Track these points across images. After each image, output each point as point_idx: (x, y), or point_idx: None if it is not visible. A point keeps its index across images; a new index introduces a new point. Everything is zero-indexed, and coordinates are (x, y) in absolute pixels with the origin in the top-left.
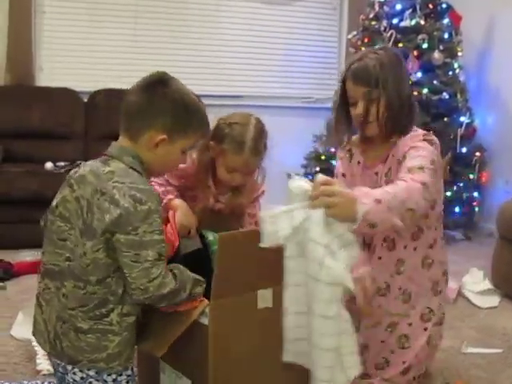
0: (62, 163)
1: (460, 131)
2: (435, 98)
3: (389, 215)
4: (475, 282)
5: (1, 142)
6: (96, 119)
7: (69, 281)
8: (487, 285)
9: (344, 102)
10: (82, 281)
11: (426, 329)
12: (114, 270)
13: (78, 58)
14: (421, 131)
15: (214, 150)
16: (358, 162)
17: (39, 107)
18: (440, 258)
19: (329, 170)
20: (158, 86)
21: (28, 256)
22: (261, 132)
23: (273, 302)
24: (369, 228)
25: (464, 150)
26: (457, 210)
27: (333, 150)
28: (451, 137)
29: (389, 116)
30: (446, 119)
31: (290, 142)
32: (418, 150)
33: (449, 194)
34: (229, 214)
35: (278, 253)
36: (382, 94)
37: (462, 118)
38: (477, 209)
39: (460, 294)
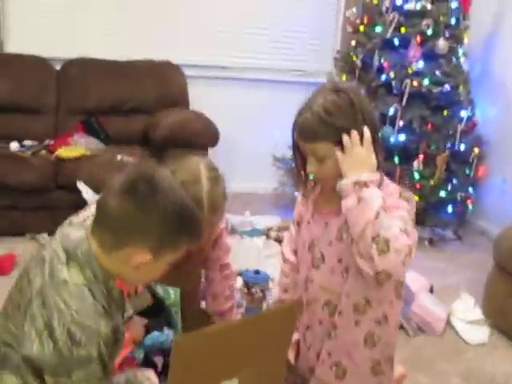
0: (30, 142)
1: (460, 127)
2: (436, 90)
3: (373, 215)
4: (466, 310)
5: None
6: (69, 91)
7: None
8: (478, 314)
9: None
10: None
11: None
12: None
13: (50, 20)
14: (395, 186)
15: None
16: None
17: (4, 77)
18: (387, 339)
19: None
20: (145, 189)
21: None
22: (216, 181)
23: None
24: (354, 198)
25: (462, 146)
26: (450, 209)
27: None
28: (450, 132)
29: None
30: (445, 113)
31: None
32: (399, 210)
33: (443, 193)
34: (186, 260)
35: (242, 337)
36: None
37: (463, 113)
38: (470, 206)
39: (448, 322)
